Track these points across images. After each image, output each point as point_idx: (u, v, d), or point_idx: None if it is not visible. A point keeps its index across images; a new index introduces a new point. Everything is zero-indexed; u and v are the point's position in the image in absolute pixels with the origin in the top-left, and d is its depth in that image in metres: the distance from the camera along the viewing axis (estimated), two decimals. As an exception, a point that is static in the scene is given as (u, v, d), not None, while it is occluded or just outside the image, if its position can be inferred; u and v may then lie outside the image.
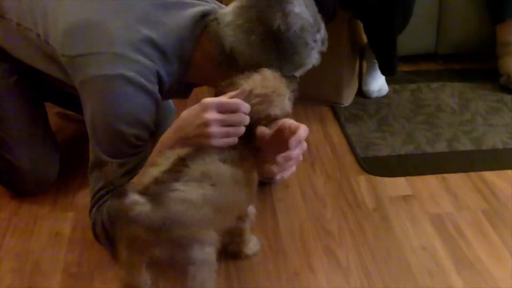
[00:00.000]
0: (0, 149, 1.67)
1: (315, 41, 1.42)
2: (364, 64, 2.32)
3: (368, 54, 2.25)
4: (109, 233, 1.40)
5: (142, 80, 1.40)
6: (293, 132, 1.30)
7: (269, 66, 1.37)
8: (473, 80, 2.40)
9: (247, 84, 1.32)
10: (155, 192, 1.17)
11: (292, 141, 1.30)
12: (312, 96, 2.23)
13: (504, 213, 1.68)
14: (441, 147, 1.99)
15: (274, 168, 1.36)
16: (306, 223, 1.65)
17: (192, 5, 1.50)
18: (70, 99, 1.74)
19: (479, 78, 2.41)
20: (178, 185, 1.19)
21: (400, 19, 2.06)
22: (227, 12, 1.43)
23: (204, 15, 1.48)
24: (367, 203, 1.73)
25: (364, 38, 2.23)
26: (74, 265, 1.51)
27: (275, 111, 1.32)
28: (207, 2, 1.55)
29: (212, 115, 1.27)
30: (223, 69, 1.42)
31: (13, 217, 1.67)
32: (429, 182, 1.82)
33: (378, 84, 2.26)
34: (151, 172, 1.23)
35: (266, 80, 1.34)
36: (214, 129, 1.26)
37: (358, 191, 1.79)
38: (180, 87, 1.55)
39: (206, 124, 1.26)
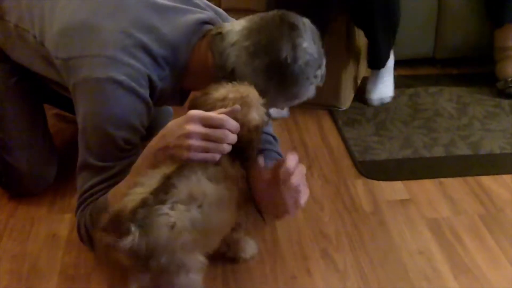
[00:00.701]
0: (0, 151, 1.68)
1: (315, 76, 1.42)
2: (364, 70, 2.31)
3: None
4: (91, 235, 1.39)
5: (133, 84, 1.39)
6: (289, 174, 1.26)
7: (266, 92, 1.36)
8: (471, 85, 2.41)
9: (219, 93, 1.32)
10: (142, 217, 1.14)
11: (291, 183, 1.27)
12: (310, 100, 2.22)
13: (501, 218, 1.69)
14: (439, 151, 2.00)
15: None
16: (304, 227, 1.65)
17: (191, 11, 1.50)
18: (67, 100, 1.74)
19: (477, 83, 2.42)
20: (165, 209, 1.17)
21: (382, 18, 2.07)
22: (234, 30, 1.41)
23: (203, 24, 1.48)
24: (364, 207, 1.74)
25: (362, 44, 2.23)
26: (71, 267, 1.50)
27: (254, 117, 1.31)
28: (205, 10, 1.54)
29: (194, 127, 1.24)
30: (218, 79, 1.42)
31: (10, 218, 1.67)
32: (426, 187, 1.82)
33: (381, 92, 2.25)
34: (136, 192, 1.20)
35: (238, 87, 1.34)
36: (194, 142, 1.24)
37: (356, 195, 1.79)
38: (175, 94, 1.54)
39: (187, 135, 1.24)
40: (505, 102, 2.28)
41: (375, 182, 1.85)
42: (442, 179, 1.85)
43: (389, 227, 1.65)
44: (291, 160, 1.28)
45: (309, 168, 1.91)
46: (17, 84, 1.66)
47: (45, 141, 1.74)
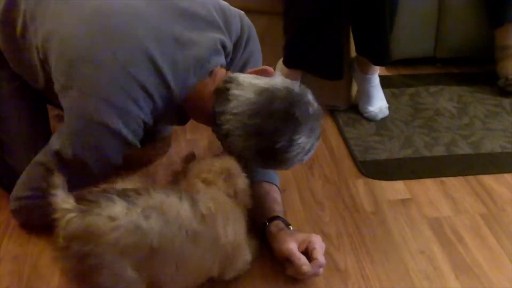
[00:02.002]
0: (1, 152, 1.68)
1: (301, 160, 1.43)
2: (356, 88, 2.29)
3: (357, 75, 2.21)
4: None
5: (124, 133, 1.42)
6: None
7: (253, 164, 1.43)
8: (471, 84, 2.41)
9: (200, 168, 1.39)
10: (92, 199, 1.17)
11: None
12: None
13: (502, 217, 1.68)
14: (440, 151, 1.99)
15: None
16: (304, 226, 1.65)
17: (201, 31, 1.49)
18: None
19: (478, 82, 2.41)
20: (117, 202, 1.18)
21: (389, 14, 2.05)
22: (241, 98, 1.38)
23: (212, 55, 1.49)
24: (365, 207, 1.73)
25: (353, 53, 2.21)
26: (72, 268, 1.50)
27: (240, 184, 1.39)
28: (217, 26, 1.53)
29: None
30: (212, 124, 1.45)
31: (11, 219, 1.66)
32: (428, 186, 1.82)
33: (377, 105, 2.20)
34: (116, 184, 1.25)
35: (220, 160, 1.41)
36: None
37: (356, 194, 1.79)
38: (172, 120, 1.59)
39: None
40: (506, 101, 2.28)
41: (376, 181, 1.84)
42: (443, 179, 1.85)
43: (390, 227, 1.65)
44: (320, 249, 1.43)
45: (309, 168, 1.91)
46: (20, 87, 1.67)
47: (47, 143, 1.74)
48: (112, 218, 1.17)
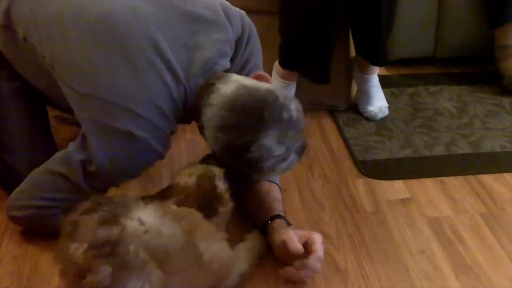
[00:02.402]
0: (1, 152, 1.68)
1: (274, 168, 1.42)
2: (356, 88, 2.28)
3: (356, 75, 2.21)
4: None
5: (151, 142, 1.42)
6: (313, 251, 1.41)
7: (226, 163, 1.44)
8: (471, 84, 2.41)
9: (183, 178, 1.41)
10: (115, 205, 1.22)
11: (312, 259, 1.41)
12: (310, 99, 2.23)
13: (502, 217, 1.68)
14: (439, 150, 1.99)
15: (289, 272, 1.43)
16: (304, 226, 1.65)
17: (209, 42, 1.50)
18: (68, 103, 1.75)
19: (478, 82, 2.41)
20: (142, 207, 1.23)
21: (387, 14, 2.05)
22: (221, 92, 1.40)
23: (220, 57, 1.50)
24: (365, 207, 1.73)
25: (352, 52, 2.21)
26: (72, 268, 1.50)
27: (219, 185, 1.40)
28: (224, 28, 1.53)
29: None
30: None
31: (11, 219, 1.67)
32: (427, 186, 1.82)
33: (376, 105, 2.20)
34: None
35: (199, 167, 1.44)
36: None
37: (356, 194, 1.79)
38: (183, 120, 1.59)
39: None
40: (506, 101, 2.28)
41: (376, 181, 1.84)
42: (443, 178, 1.85)
43: (390, 227, 1.65)
44: (319, 244, 1.42)
45: (309, 167, 1.91)
46: (20, 87, 1.66)
47: (47, 144, 1.74)
48: (142, 222, 1.20)
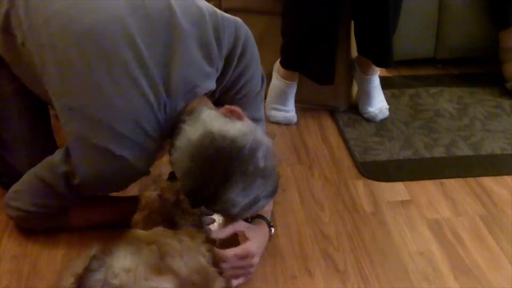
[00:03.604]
0: (1, 151, 1.67)
1: (242, 214, 1.41)
2: (356, 89, 2.28)
3: (358, 76, 2.21)
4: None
5: (132, 161, 1.41)
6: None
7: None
8: (471, 85, 2.41)
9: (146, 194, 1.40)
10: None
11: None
12: (311, 100, 2.23)
13: (501, 219, 1.69)
14: (439, 152, 1.99)
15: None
16: (304, 227, 1.65)
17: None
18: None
19: (478, 84, 2.42)
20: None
21: (394, 15, 2.05)
22: (188, 131, 1.37)
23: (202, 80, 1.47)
24: (365, 208, 1.73)
25: (353, 53, 2.21)
26: (71, 267, 1.50)
27: (183, 198, 1.39)
28: (211, 48, 1.48)
29: None
30: None
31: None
32: (427, 187, 1.82)
33: (377, 106, 2.19)
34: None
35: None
36: None
37: (356, 195, 1.79)
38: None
39: None
40: (506, 103, 2.28)
41: (376, 182, 1.84)
42: (443, 180, 1.85)
43: (390, 228, 1.65)
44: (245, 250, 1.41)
45: (309, 168, 1.91)
46: (22, 86, 1.66)
47: (47, 143, 1.74)
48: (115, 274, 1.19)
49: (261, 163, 1.34)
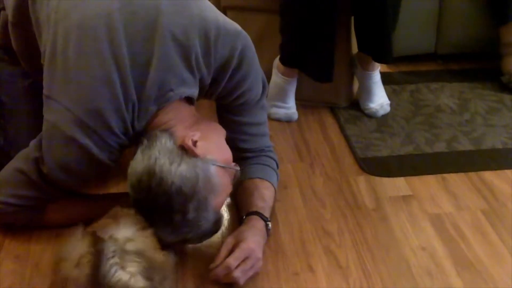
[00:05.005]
0: (8, 147, 1.68)
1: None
2: (357, 85, 2.28)
3: (358, 72, 2.21)
4: None
5: (94, 151, 1.40)
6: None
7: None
8: (472, 81, 2.40)
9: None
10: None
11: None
12: (311, 97, 2.23)
13: (503, 213, 1.68)
14: (441, 147, 1.99)
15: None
16: (306, 224, 1.65)
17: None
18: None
19: (479, 79, 2.41)
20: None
21: (393, 10, 2.05)
22: (138, 160, 1.37)
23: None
24: (367, 204, 1.73)
25: (354, 49, 2.21)
26: (73, 267, 1.51)
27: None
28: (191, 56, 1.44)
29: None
30: None
31: (13, 218, 1.67)
32: (429, 183, 1.82)
33: (378, 102, 2.19)
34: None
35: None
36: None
37: (358, 191, 1.79)
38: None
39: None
40: (507, 97, 2.28)
41: (377, 178, 1.84)
42: (445, 175, 1.85)
43: (392, 223, 1.65)
44: (237, 255, 1.41)
45: (311, 165, 1.91)
46: (31, 85, 1.67)
47: None
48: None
49: (191, 215, 1.33)
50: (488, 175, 1.85)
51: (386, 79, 2.30)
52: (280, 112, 2.16)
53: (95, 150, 1.40)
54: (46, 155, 1.45)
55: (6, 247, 1.57)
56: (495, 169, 1.87)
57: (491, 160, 1.92)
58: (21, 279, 1.47)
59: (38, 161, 1.47)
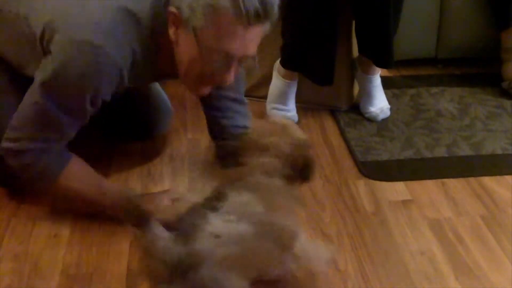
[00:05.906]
0: None
1: None
2: (357, 89, 2.28)
3: (359, 75, 2.21)
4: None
5: (115, 55, 1.42)
6: None
7: None
8: (473, 85, 2.41)
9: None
10: (187, 224, 1.12)
11: None
12: (312, 100, 2.24)
13: (502, 219, 1.68)
14: (441, 152, 1.99)
15: None
16: (305, 227, 1.65)
17: None
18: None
19: (479, 83, 2.42)
20: (213, 218, 1.14)
21: (395, 16, 2.05)
22: None
23: None
24: (366, 207, 1.73)
25: (355, 52, 2.21)
26: (72, 266, 1.50)
27: (300, 134, 1.37)
28: None
29: None
30: None
31: (12, 218, 1.67)
32: (428, 187, 1.82)
33: (378, 105, 2.19)
34: (187, 198, 1.22)
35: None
36: None
37: (357, 195, 1.79)
38: (154, 72, 1.56)
39: None
40: (507, 103, 2.28)
41: (377, 182, 1.84)
42: (444, 180, 1.85)
43: (391, 228, 1.65)
44: None
45: (310, 168, 1.91)
46: (13, 79, 1.66)
47: None
48: (217, 236, 1.14)
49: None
50: (488, 180, 1.85)
51: (387, 83, 2.30)
52: (280, 114, 2.16)
53: (108, 49, 1.41)
54: (53, 57, 1.43)
55: (5, 246, 1.57)
56: (495, 175, 1.87)
57: (491, 165, 1.93)
58: (20, 278, 1.47)
59: (43, 84, 1.45)
